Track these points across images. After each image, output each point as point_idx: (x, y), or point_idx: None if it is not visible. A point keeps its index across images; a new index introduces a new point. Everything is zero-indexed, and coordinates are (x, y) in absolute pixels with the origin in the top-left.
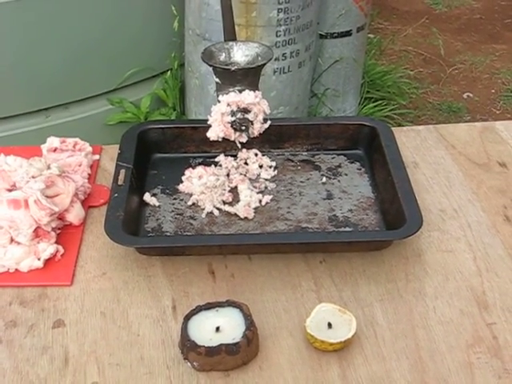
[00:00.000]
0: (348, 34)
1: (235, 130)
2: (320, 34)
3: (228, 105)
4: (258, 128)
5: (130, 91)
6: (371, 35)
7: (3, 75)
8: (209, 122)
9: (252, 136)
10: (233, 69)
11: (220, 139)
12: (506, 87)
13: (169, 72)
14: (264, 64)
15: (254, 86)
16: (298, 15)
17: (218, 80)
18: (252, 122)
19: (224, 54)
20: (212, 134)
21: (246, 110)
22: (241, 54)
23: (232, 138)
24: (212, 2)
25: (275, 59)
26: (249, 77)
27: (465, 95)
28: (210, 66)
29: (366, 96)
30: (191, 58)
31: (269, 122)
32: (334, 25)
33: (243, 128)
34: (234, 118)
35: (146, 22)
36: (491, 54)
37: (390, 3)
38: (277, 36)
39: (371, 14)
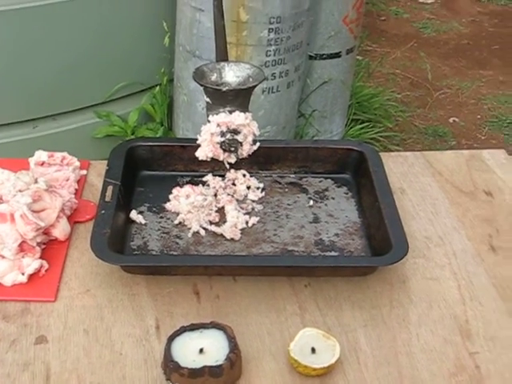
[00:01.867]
0: (337, 55)
1: (224, 150)
2: (309, 55)
3: (218, 125)
4: (246, 149)
5: (118, 105)
6: (360, 57)
7: None
8: (198, 142)
9: (241, 157)
10: (224, 89)
11: (209, 159)
12: (492, 113)
13: (157, 87)
14: (255, 85)
15: (244, 107)
16: (288, 36)
17: (208, 100)
18: (241, 144)
19: (215, 74)
20: (201, 154)
21: (235, 131)
22: (232, 74)
23: (221, 159)
24: (203, 19)
25: (264, 79)
26: (239, 98)
27: (451, 120)
28: (202, 85)
29: (353, 118)
30: (181, 74)
31: (258, 144)
32: (323, 46)
33: (232, 149)
34: (223, 139)
35: (136, 37)
36: (478, 80)
37: (379, 26)
38: (267, 56)
39: (360, 37)
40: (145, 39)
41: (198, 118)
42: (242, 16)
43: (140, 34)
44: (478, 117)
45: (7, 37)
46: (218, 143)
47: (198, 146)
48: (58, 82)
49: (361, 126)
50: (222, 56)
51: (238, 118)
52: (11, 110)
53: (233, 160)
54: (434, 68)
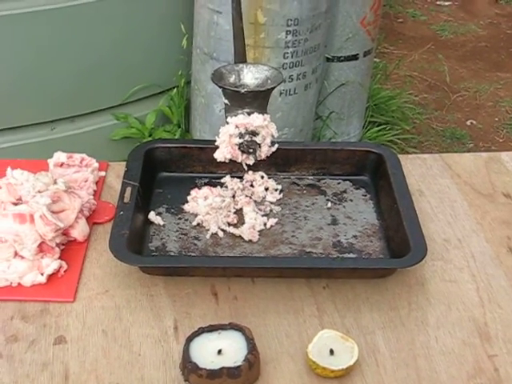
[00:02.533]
0: (355, 57)
1: (242, 152)
2: (327, 57)
3: (236, 127)
4: (265, 151)
5: (136, 107)
6: (377, 59)
7: (11, 86)
8: (216, 143)
9: (259, 159)
10: (243, 91)
11: (227, 161)
12: (510, 116)
13: (175, 89)
14: (274, 87)
15: (262, 109)
16: (306, 38)
17: (226, 101)
18: (260, 145)
19: (234, 76)
20: (219, 156)
21: (254, 133)
22: (251, 76)
23: (239, 160)
24: (221, 21)
25: (282, 81)
26: (258, 99)
27: (468, 122)
28: (220, 87)
29: (370, 120)
30: (198, 77)
31: (276, 146)
32: (341, 48)
33: (250, 150)
34: (241, 140)
35: (154, 39)
36: (495, 82)
37: (397, 28)
38: (284, 58)
39: (378, 39)
40: (162, 42)
41: (216, 120)
42: (260, 18)
43: (158, 36)
44: (496, 119)
45: (26, 39)
46: (236, 145)
47: (217, 147)
48: (76, 85)
49: (378, 128)
50: (241, 58)
51: (256, 120)
52: (30, 112)
53: (251, 162)
54: (452, 70)
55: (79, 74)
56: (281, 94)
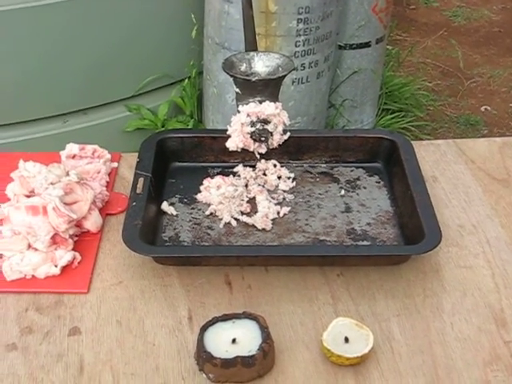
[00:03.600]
0: (367, 45)
1: (255, 140)
2: (339, 45)
3: (248, 115)
4: (277, 139)
5: (148, 98)
6: (389, 47)
7: (23, 80)
8: (228, 133)
9: (271, 147)
10: (254, 79)
11: (239, 149)
12: None
13: (187, 80)
14: (285, 75)
15: (274, 97)
16: (317, 26)
17: (238, 90)
18: (272, 133)
19: (245, 65)
20: (231, 145)
21: (265, 121)
22: (262, 64)
23: (251, 149)
24: (232, 11)
25: (294, 69)
26: (269, 88)
27: (482, 108)
28: (231, 76)
29: (384, 107)
30: (210, 67)
31: (288, 134)
32: (353, 36)
33: (263, 139)
34: (253, 129)
35: (165, 30)
36: (510, 68)
37: (409, 15)
38: (296, 46)
39: (390, 26)
40: (174, 32)
41: (228, 110)
42: (271, 7)
43: (169, 27)
44: (511, 105)
45: (38, 32)
46: (248, 133)
47: (229, 136)
48: (88, 77)
49: (391, 115)
50: (251, 47)
51: (268, 108)
52: (42, 105)
53: (263, 150)
54: (465, 56)
55: (91, 66)
56: (293, 82)
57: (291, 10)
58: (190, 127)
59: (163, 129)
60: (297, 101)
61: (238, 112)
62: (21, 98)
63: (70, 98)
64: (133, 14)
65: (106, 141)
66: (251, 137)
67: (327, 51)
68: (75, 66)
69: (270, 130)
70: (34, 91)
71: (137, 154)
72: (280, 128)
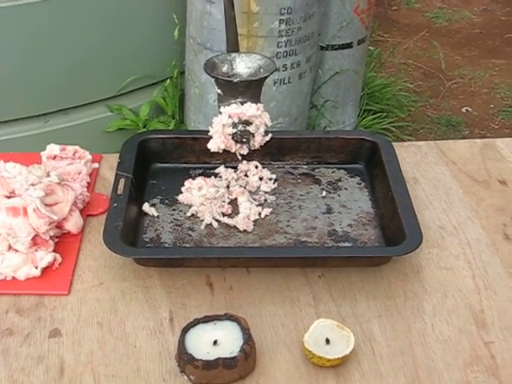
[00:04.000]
0: (349, 46)
1: (236, 141)
2: (321, 46)
3: (229, 116)
4: (258, 140)
5: (130, 98)
6: (371, 47)
7: (3, 79)
8: (210, 134)
9: (253, 148)
10: (235, 80)
11: (221, 151)
12: (505, 102)
13: (168, 80)
14: (266, 76)
15: (255, 98)
16: (299, 26)
17: (219, 91)
18: (253, 135)
19: (226, 66)
20: (213, 146)
21: (247, 122)
22: (243, 65)
23: (233, 150)
24: (214, 11)
25: (276, 70)
26: (251, 89)
27: (463, 109)
28: (213, 77)
29: (366, 108)
30: (192, 67)
31: (270, 135)
32: (334, 37)
33: (244, 140)
34: (235, 130)
35: (147, 30)
36: (490, 69)
37: (391, 16)
38: (278, 47)
39: (372, 27)
40: (156, 32)
41: (210, 111)
42: (253, 7)
43: (150, 27)
44: (491, 106)
45: (17, 32)
46: (229, 134)
47: (210, 137)
48: (69, 77)
49: (373, 116)
50: (233, 47)
51: (249, 109)
52: (22, 105)
53: (245, 151)
54: (446, 57)
55: (72, 66)
56: (275, 83)
57: (273, 10)
58: (171, 128)
59: (144, 129)
60: (279, 101)
61: (220, 113)
62: (1, 98)
63: (50, 97)
64: (114, 14)
65: (87, 141)
66: (233, 138)
67: (309, 52)
68: (56, 66)
69: (251, 131)
70: (14, 91)
71: (118, 155)
72: (262, 129)
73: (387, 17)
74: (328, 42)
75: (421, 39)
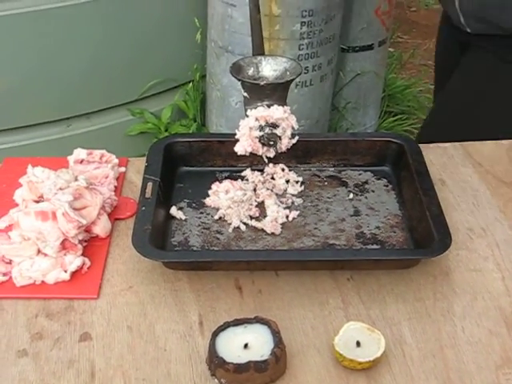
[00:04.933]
0: (370, 47)
1: (263, 144)
2: (342, 48)
3: (256, 119)
4: (285, 143)
5: (151, 102)
6: (391, 49)
7: (25, 84)
8: (237, 137)
9: (280, 151)
10: (262, 83)
11: (247, 154)
12: None
13: (190, 83)
14: (293, 79)
15: (282, 101)
16: (320, 29)
17: (246, 94)
18: (280, 137)
19: (252, 69)
20: (240, 149)
21: (274, 125)
22: (269, 68)
23: (260, 153)
24: (235, 14)
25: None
26: (277, 92)
27: None
28: (239, 80)
29: (386, 110)
30: (213, 70)
31: (296, 138)
32: (355, 38)
33: (271, 143)
34: (262, 133)
35: (168, 34)
36: None
37: (410, 17)
38: (299, 49)
39: (392, 28)
40: (177, 36)
41: (232, 114)
42: (274, 10)
43: (172, 31)
44: None
45: (40, 36)
46: (256, 137)
47: (237, 140)
48: (91, 81)
49: (394, 118)
50: (259, 50)
51: (276, 112)
52: (45, 110)
53: (272, 154)
54: None
55: (94, 70)
56: (297, 85)
57: (295, 13)
58: (192, 131)
59: (166, 133)
60: (300, 104)
61: (246, 116)
62: (24, 103)
63: (72, 102)
64: (137, 19)
65: (109, 145)
66: (260, 141)
67: (330, 54)
68: (78, 70)
69: (278, 134)
70: (36, 95)
71: (144, 159)
72: (288, 132)
73: (406, 18)
74: (349, 43)
75: None
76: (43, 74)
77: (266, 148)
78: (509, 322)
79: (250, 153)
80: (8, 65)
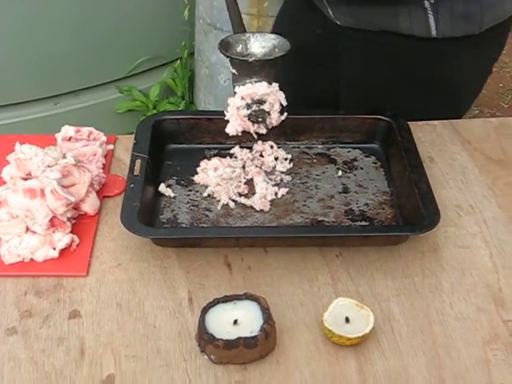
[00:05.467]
0: None
1: (253, 122)
2: None
3: (242, 98)
4: (275, 118)
5: (139, 80)
6: None
7: (13, 61)
8: (226, 118)
9: (270, 126)
10: (250, 60)
11: (240, 134)
12: None
13: (178, 61)
14: (282, 56)
15: (270, 78)
16: None
17: (234, 71)
18: (269, 113)
19: (241, 45)
20: (231, 130)
21: (260, 101)
22: (258, 45)
23: (251, 131)
24: None
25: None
26: (266, 68)
27: None
28: (227, 57)
29: None
30: (201, 48)
31: (285, 114)
32: None
33: (260, 119)
34: (249, 111)
35: (156, 11)
36: None
37: None
38: None
39: None
40: (165, 13)
41: (220, 91)
42: None
43: (160, 7)
44: (501, 85)
45: (27, 14)
46: (245, 116)
47: (227, 121)
48: (79, 59)
49: None
50: (239, 28)
51: (260, 88)
52: (32, 88)
53: (263, 130)
54: None
55: (81, 47)
56: None
57: None
58: (181, 109)
59: (155, 110)
60: None
61: (235, 93)
62: (11, 80)
63: (60, 79)
64: None
65: (97, 122)
66: (249, 119)
67: None
68: (66, 47)
69: (266, 109)
70: (24, 73)
71: (132, 136)
72: (277, 106)
73: None
74: None
75: None
76: (30, 51)
77: (256, 125)
78: (496, 299)
79: (242, 131)
80: None
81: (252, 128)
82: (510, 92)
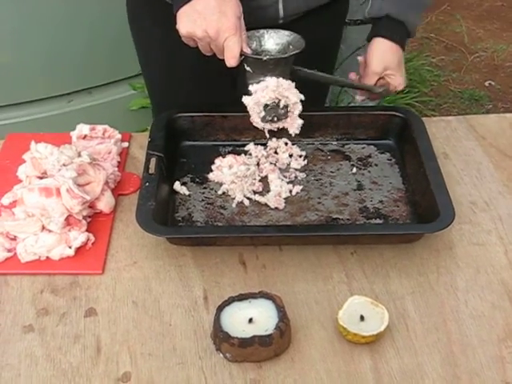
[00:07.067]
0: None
1: (271, 122)
2: None
3: (256, 103)
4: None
5: None
6: None
7: (27, 59)
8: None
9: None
10: (265, 58)
11: (266, 130)
12: None
13: None
14: (296, 53)
15: (285, 75)
16: None
17: (248, 69)
18: (287, 109)
19: (255, 43)
20: (257, 124)
21: (277, 102)
22: (272, 42)
23: (278, 128)
24: None
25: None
26: (280, 66)
27: (486, 83)
28: (241, 55)
29: None
30: None
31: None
32: (357, 12)
33: (275, 119)
34: (264, 114)
35: None
36: None
37: None
38: None
39: None
40: None
41: None
42: None
43: None
44: None
45: (40, 11)
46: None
47: (239, 116)
48: (93, 56)
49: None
50: None
51: (278, 85)
52: (46, 85)
53: (281, 126)
54: (468, 31)
55: (95, 45)
56: None
57: None
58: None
59: None
60: None
61: (249, 91)
62: (25, 78)
63: (74, 77)
64: None
65: (111, 120)
66: (265, 121)
67: None
68: (79, 45)
69: (282, 105)
70: (38, 71)
71: (146, 134)
72: (293, 99)
73: None
74: (350, 17)
75: (442, 13)
76: (44, 49)
77: (274, 124)
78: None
79: (254, 127)
80: (9, 40)
81: (274, 126)
82: None
